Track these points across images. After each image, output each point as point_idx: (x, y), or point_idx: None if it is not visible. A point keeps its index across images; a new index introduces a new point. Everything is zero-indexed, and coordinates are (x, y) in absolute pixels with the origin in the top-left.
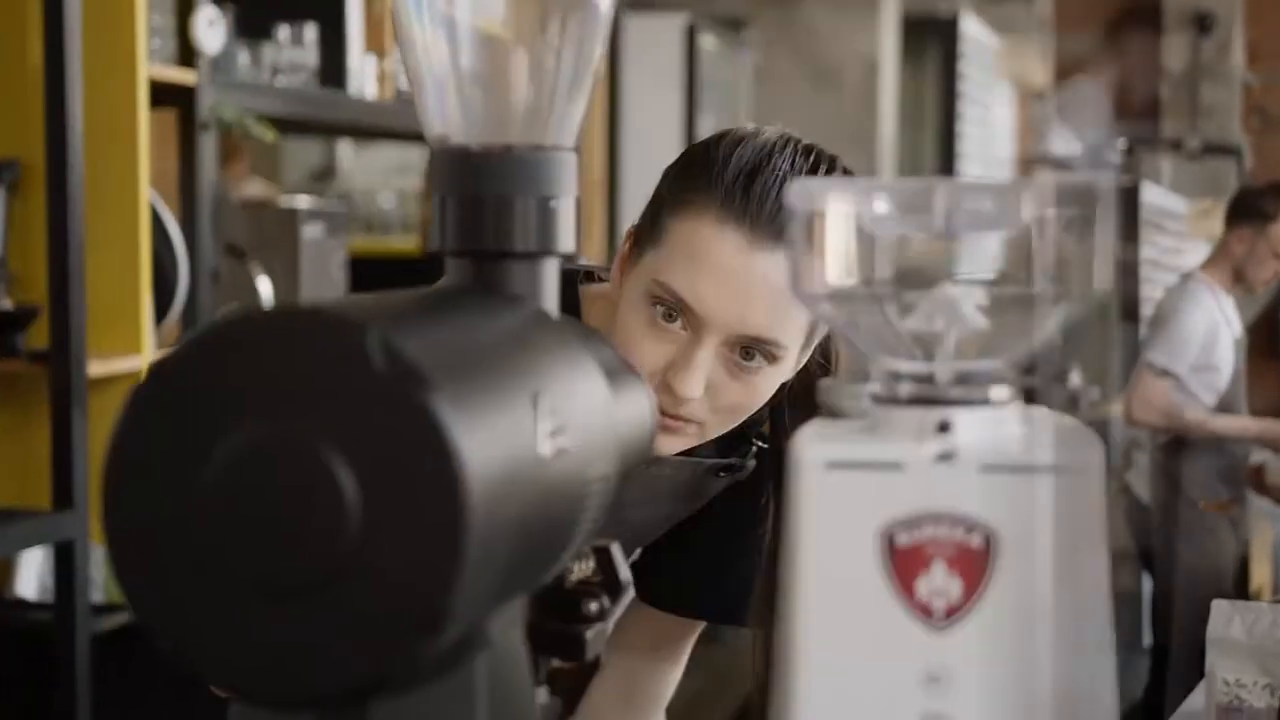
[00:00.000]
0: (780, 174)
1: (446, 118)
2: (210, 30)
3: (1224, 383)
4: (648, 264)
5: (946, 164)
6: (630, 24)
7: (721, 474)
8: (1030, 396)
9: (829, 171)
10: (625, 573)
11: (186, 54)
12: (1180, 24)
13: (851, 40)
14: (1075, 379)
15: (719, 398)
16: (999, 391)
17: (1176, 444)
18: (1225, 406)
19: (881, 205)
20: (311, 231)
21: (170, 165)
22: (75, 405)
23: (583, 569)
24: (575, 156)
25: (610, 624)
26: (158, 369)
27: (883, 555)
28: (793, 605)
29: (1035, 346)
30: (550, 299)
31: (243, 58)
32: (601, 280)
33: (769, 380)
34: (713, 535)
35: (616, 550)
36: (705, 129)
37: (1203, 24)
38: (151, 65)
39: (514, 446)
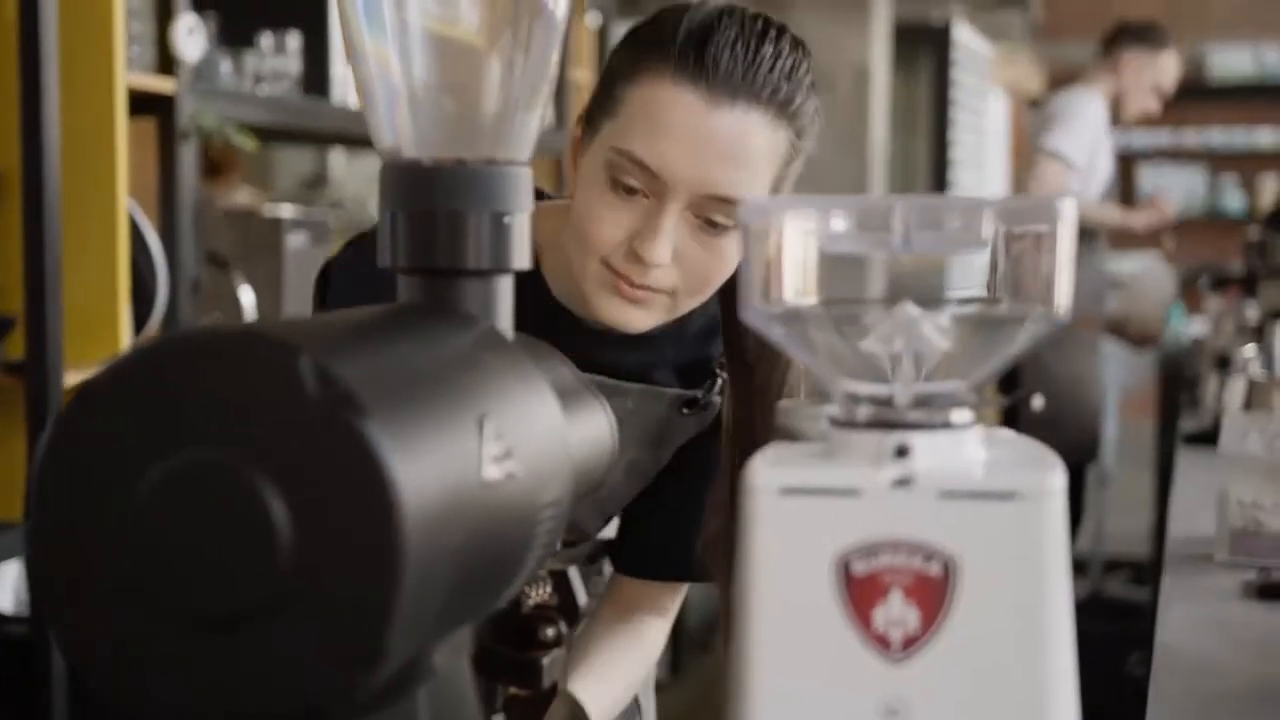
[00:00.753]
0: (731, 34)
1: (397, 130)
2: (190, 39)
3: (1100, 192)
4: (604, 137)
5: (939, 170)
6: (618, 29)
7: (686, 410)
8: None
9: (779, 36)
10: (583, 597)
11: (166, 62)
12: None
13: (843, 47)
14: (1038, 401)
15: (687, 264)
16: (960, 414)
17: None
18: None
19: (839, 223)
20: (296, 241)
21: (150, 174)
22: (51, 417)
23: (539, 594)
24: (530, 171)
25: (566, 650)
26: (87, 389)
27: (839, 584)
28: (746, 635)
29: (998, 368)
30: (504, 317)
31: (225, 66)
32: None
33: (733, 247)
34: (685, 491)
35: (574, 574)
36: None
37: None
38: (130, 74)
39: (456, 472)
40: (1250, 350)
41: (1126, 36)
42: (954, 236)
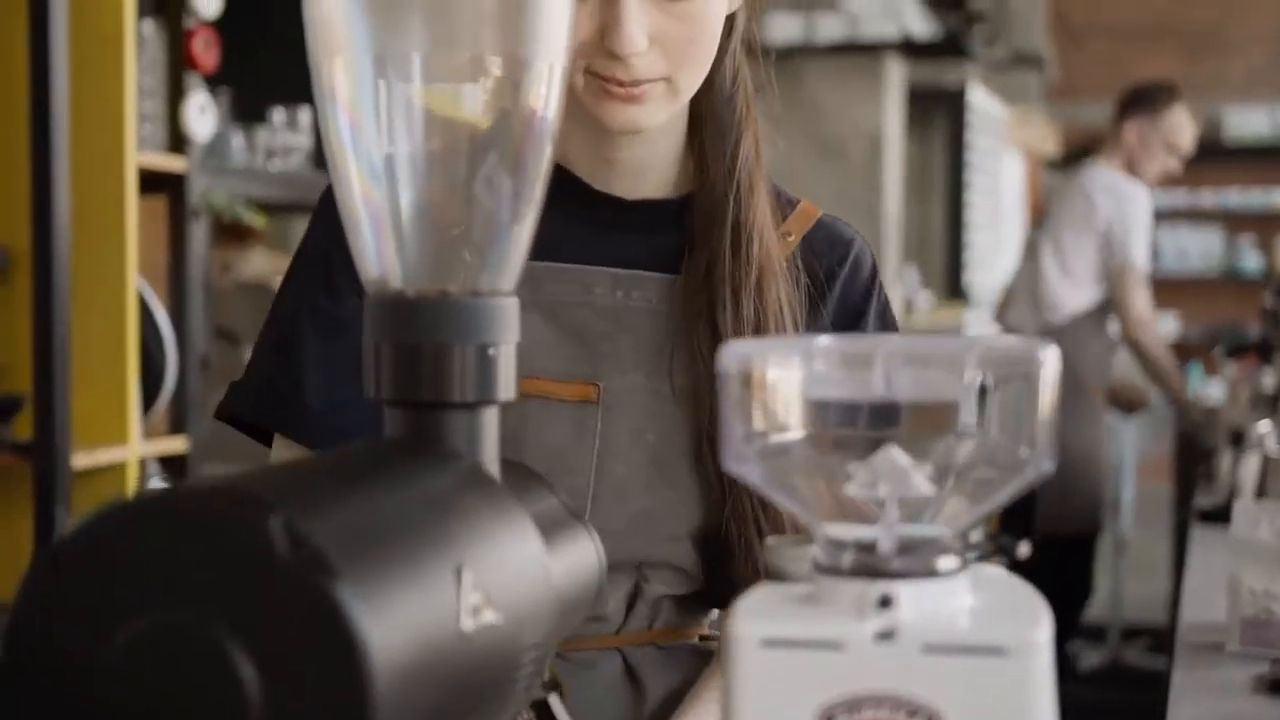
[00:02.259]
0: None
1: (383, 262)
2: (201, 117)
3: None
4: None
5: (954, 233)
6: None
7: None
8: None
9: None
10: None
11: (178, 140)
12: None
13: (856, 115)
14: (1024, 549)
15: (667, 42)
16: (946, 561)
17: (1073, 325)
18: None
19: (819, 366)
20: None
21: (161, 251)
22: (59, 499)
23: None
24: (516, 301)
25: None
26: (57, 549)
27: None
28: None
29: (984, 514)
30: (489, 450)
31: (237, 141)
32: None
33: (711, 1)
34: None
35: (555, 703)
36: None
37: None
38: (142, 153)
39: (431, 627)
40: (1265, 426)
41: (1128, 104)
42: (937, 381)
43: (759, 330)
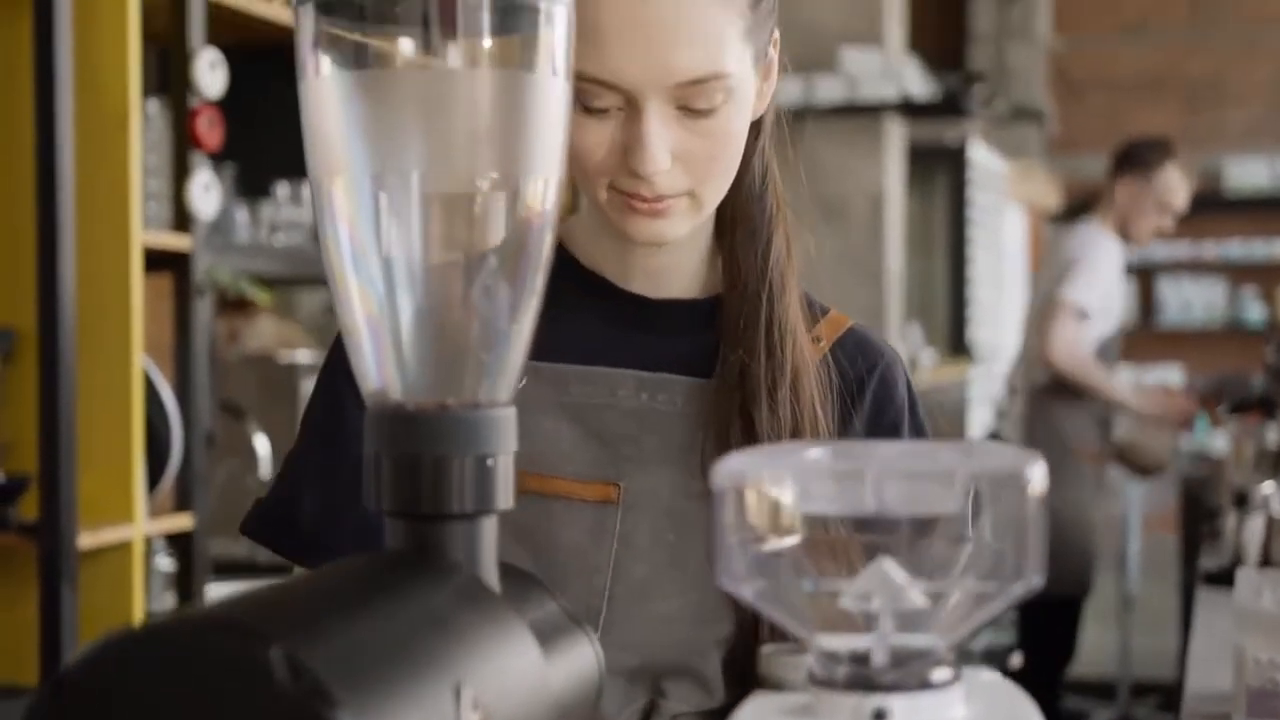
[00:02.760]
0: None
1: (382, 373)
2: (205, 195)
3: (1105, 335)
4: None
5: (957, 289)
6: None
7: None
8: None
9: None
10: None
11: (182, 218)
12: None
13: (857, 175)
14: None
15: (689, 159)
16: (940, 673)
17: (1057, 387)
18: (1102, 353)
19: (812, 482)
20: (310, 387)
21: (166, 327)
22: (65, 580)
23: None
24: (513, 411)
25: None
26: (59, 681)
27: None
28: None
29: (977, 626)
30: (488, 559)
31: (241, 216)
32: None
33: (734, 117)
34: None
35: None
36: None
37: None
38: (147, 232)
39: None
40: (1269, 487)
41: (1121, 162)
42: (928, 495)
43: (796, 433)
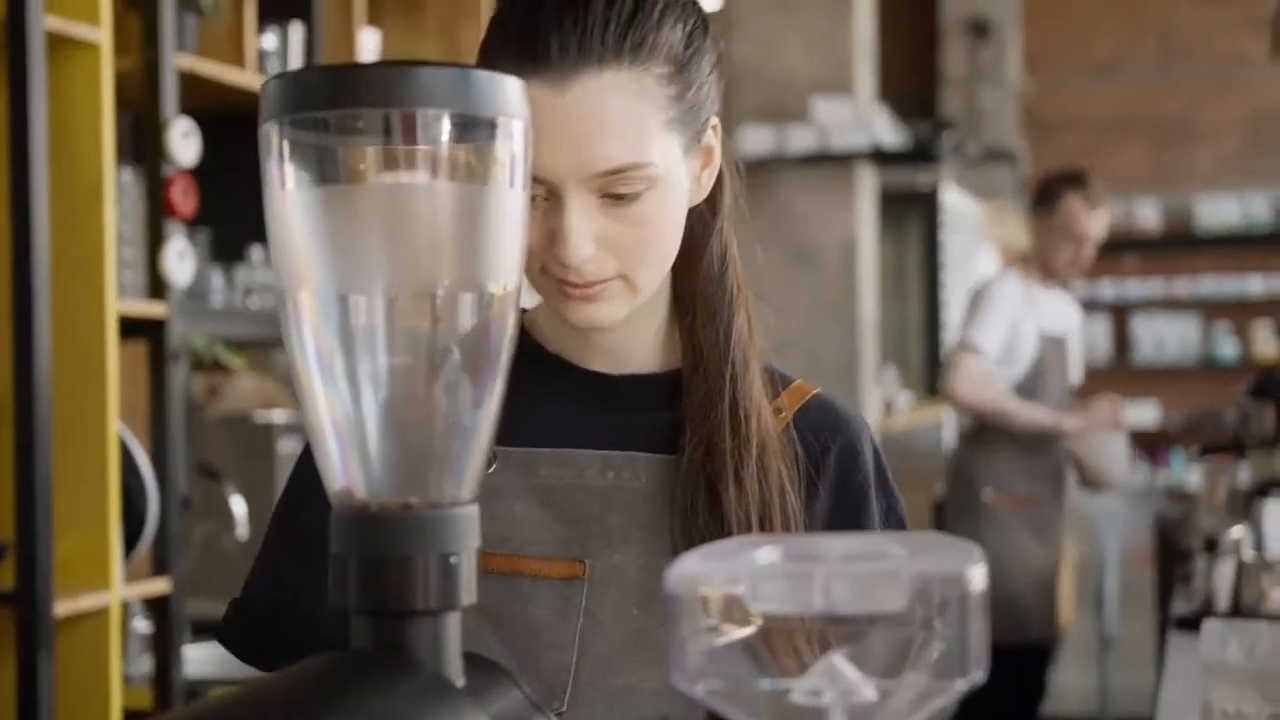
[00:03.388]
0: (554, 7)
1: (348, 474)
2: (180, 263)
3: (1019, 377)
4: None
5: (931, 332)
6: None
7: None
8: None
9: None
10: None
11: (157, 286)
12: (957, 29)
13: (829, 222)
14: None
15: (617, 244)
16: None
17: (975, 435)
18: (1028, 395)
19: (763, 583)
20: (288, 446)
21: (141, 393)
22: (41, 648)
23: None
24: (475, 509)
25: None
26: None
27: None
28: None
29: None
30: (452, 653)
31: (216, 280)
32: None
33: (662, 203)
34: None
35: None
36: None
37: (979, 29)
38: (122, 300)
39: None
40: (1238, 531)
41: (1032, 201)
42: (875, 595)
43: (764, 509)
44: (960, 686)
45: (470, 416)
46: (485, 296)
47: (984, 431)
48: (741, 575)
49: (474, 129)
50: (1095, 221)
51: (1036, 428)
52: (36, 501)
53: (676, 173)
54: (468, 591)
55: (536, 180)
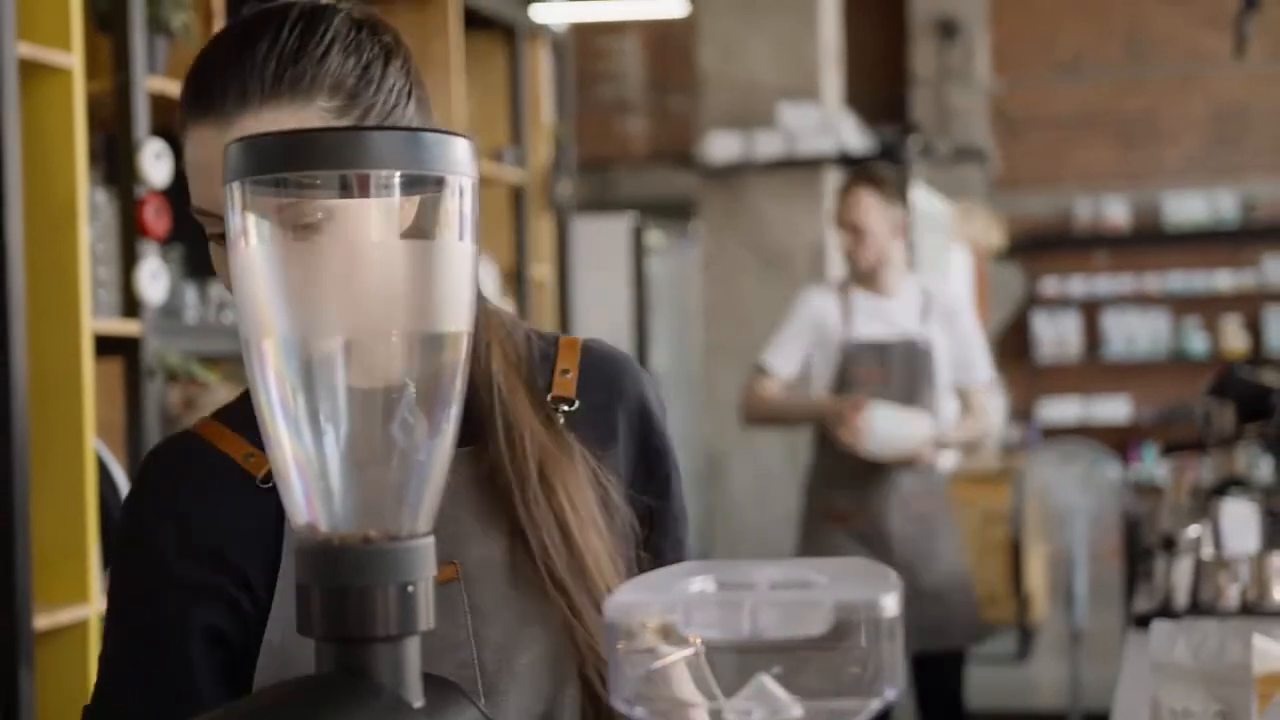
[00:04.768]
0: (220, 55)
1: (310, 508)
2: (154, 282)
3: (829, 360)
4: None
5: None
6: (580, 225)
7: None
8: None
9: (280, 24)
10: None
11: (131, 304)
12: (925, 29)
13: (797, 227)
14: None
15: None
16: None
17: (812, 464)
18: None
19: (695, 613)
20: None
21: (116, 410)
22: (21, 663)
23: None
24: (432, 540)
25: None
26: None
27: None
28: None
29: None
30: (412, 675)
31: (190, 296)
32: None
33: (388, 217)
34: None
35: None
36: (655, 321)
37: (947, 29)
38: (96, 319)
39: None
40: (1194, 530)
41: None
42: (799, 621)
43: (560, 516)
44: (875, 705)
45: (425, 452)
46: (438, 339)
47: (818, 460)
48: (675, 604)
49: (424, 186)
50: (872, 215)
51: (811, 415)
52: (15, 517)
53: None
54: (425, 617)
55: (213, 217)
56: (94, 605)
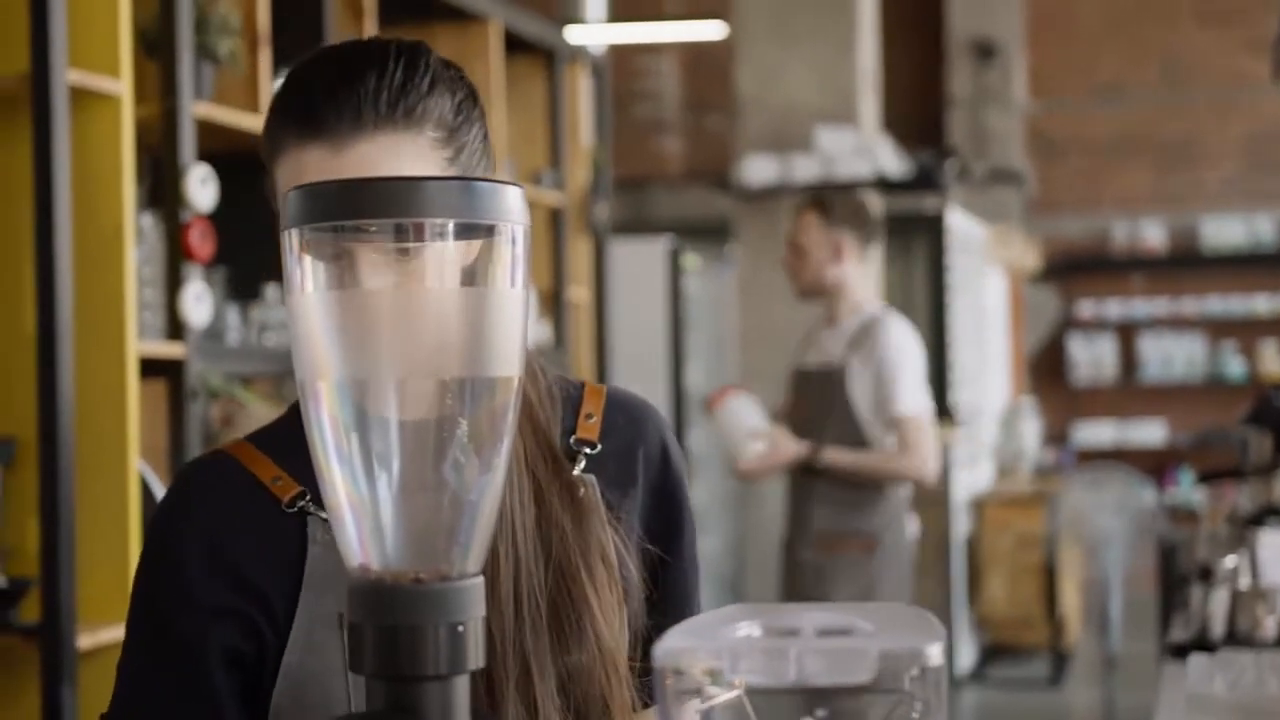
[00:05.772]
0: (330, 76)
1: (364, 549)
2: (198, 305)
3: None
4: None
5: (938, 353)
6: (617, 247)
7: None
8: None
9: (381, 54)
10: None
11: (176, 327)
12: (962, 51)
13: None
14: None
15: None
16: None
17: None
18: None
19: (742, 659)
20: None
21: (160, 431)
22: (65, 681)
23: None
24: (481, 580)
25: None
26: None
27: None
28: None
29: None
30: (461, 715)
31: (232, 318)
32: None
33: (442, 264)
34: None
35: None
36: (692, 343)
37: (984, 51)
38: (142, 341)
39: None
40: (1231, 561)
41: None
42: (844, 668)
43: (554, 557)
44: None
45: (476, 492)
46: (489, 383)
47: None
48: (722, 650)
49: (476, 234)
50: (811, 234)
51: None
52: (60, 538)
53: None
54: (475, 657)
55: None
56: None
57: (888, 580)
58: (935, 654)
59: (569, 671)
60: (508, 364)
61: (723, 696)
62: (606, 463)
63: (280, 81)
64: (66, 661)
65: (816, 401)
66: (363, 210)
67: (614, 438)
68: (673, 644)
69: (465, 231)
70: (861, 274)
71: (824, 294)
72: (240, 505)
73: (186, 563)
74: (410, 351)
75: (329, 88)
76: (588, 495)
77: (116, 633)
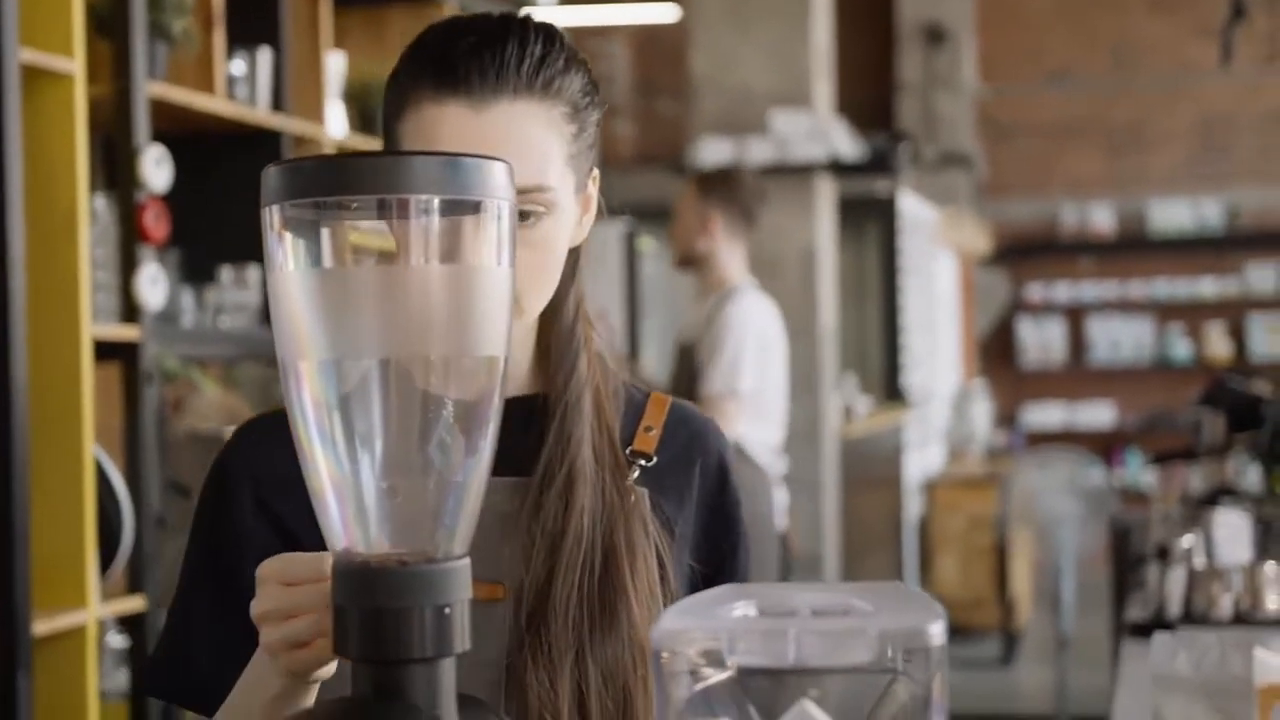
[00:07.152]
0: (473, 39)
1: (348, 532)
2: (153, 287)
3: (778, 410)
4: None
5: (890, 336)
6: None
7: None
8: None
9: (522, 27)
10: None
11: (130, 309)
12: (913, 36)
13: (789, 232)
14: None
15: (517, 265)
16: None
17: None
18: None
19: (740, 640)
20: None
21: (114, 414)
22: (20, 667)
23: None
24: (467, 562)
25: None
26: None
27: None
28: None
29: None
30: (447, 697)
31: (187, 301)
32: None
33: (556, 232)
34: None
35: None
36: (646, 326)
37: (935, 36)
38: (96, 324)
39: None
40: (1188, 540)
41: None
42: (844, 650)
43: (555, 537)
44: None
45: (462, 473)
46: (474, 362)
47: None
48: (719, 631)
49: (461, 211)
50: (683, 204)
51: None
52: (14, 522)
53: (569, 207)
54: (461, 639)
55: None
56: (92, 610)
57: None
58: (936, 633)
59: (605, 665)
60: (494, 343)
61: (717, 677)
62: (663, 474)
63: (412, 41)
64: (22, 648)
65: (682, 376)
66: (345, 186)
67: (672, 449)
68: (669, 624)
69: (450, 208)
70: (729, 250)
71: (694, 265)
72: (290, 464)
73: (237, 504)
74: (394, 331)
75: (473, 48)
76: (638, 502)
77: (72, 618)
